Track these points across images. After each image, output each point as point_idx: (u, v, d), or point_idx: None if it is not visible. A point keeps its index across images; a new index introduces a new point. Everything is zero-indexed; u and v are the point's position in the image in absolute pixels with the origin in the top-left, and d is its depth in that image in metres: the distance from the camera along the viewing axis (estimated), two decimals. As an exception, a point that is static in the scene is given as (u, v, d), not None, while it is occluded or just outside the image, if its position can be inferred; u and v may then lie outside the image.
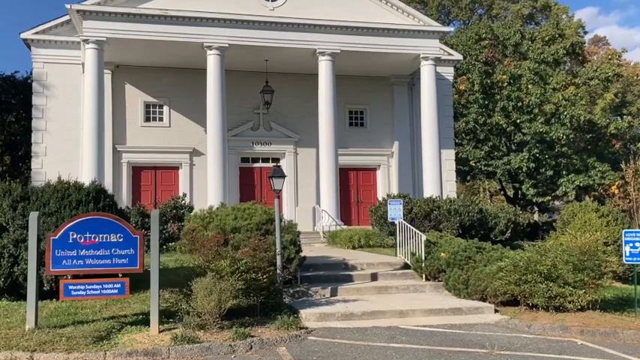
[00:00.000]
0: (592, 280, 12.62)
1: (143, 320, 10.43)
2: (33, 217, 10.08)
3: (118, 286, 10.06)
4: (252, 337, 9.91)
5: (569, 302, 12.35)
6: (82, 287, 9.96)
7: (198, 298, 10.20)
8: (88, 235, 9.89)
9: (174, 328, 10.12)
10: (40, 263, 10.21)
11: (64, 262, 9.82)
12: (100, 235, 9.94)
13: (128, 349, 9.00)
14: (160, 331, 9.91)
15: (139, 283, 11.76)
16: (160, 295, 10.43)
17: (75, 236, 9.85)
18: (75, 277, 10.40)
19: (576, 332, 11.06)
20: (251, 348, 9.53)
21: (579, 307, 12.36)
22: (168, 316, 10.75)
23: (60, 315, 10.70)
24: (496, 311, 12.68)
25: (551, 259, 12.79)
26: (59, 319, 10.50)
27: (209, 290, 10.15)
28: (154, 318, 9.99)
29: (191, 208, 20.35)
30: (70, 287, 9.93)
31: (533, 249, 14.05)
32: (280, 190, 13.77)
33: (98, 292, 10.01)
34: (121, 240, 10.02)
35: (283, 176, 13.94)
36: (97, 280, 10.00)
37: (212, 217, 14.01)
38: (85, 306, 11.24)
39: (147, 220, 17.51)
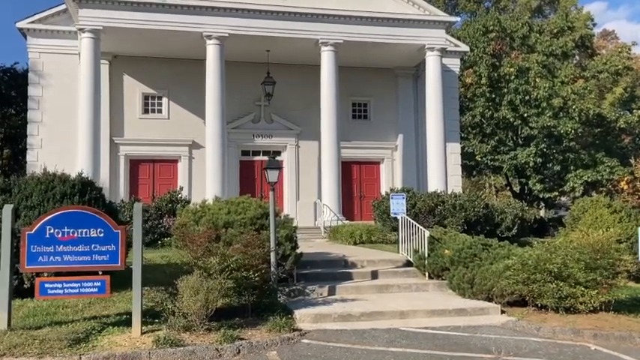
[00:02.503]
0: (605, 279, 11.91)
1: (126, 321, 9.78)
2: (7, 210, 9.44)
3: (98, 284, 9.40)
4: (241, 339, 9.25)
5: (581, 303, 11.65)
6: (60, 285, 9.32)
7: (184, 297, 9.56)
8: (66, 230, 9.24)
9: (158, 330, 9.47)
10: (16, 260, 9.56)
11: (41, 258, 9.18)
12: (79, 230, 9.28)
13: (105, 352, 8.35)
14: (142, 333, 9.28)
15: (126, 280, 11.07)
16: (144, 294, 9.82)
17: (52, 231, 9.21)
18: (57, 274, 9.77)
19: (589, 336, 10.35)
20: (239, 352, 8.86)
21: (591, 308, 11.65)
22: (153, 316, 10.11)
23: (37, 315, 10.05)
24: (502, 312, 11.98)
25: (562, 258, 12.04)
26: (36, 319, 9.85)
27: (195, 289, 9.51)
28: (137, 319, 9.35)
29: (187, 202, 19.75)
30: (47, 285, 9.29)
31: (542, 246, 13.33)
32: (275, 183, 13.07)
33: (77, 290, 9.36)
34: (102, 235, 9.37)
35: (278, 168, 13.26)
36: (75, 278, 9.35)
37: (204, 212, 13.33)
38: (67, 305, 10.58)
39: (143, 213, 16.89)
